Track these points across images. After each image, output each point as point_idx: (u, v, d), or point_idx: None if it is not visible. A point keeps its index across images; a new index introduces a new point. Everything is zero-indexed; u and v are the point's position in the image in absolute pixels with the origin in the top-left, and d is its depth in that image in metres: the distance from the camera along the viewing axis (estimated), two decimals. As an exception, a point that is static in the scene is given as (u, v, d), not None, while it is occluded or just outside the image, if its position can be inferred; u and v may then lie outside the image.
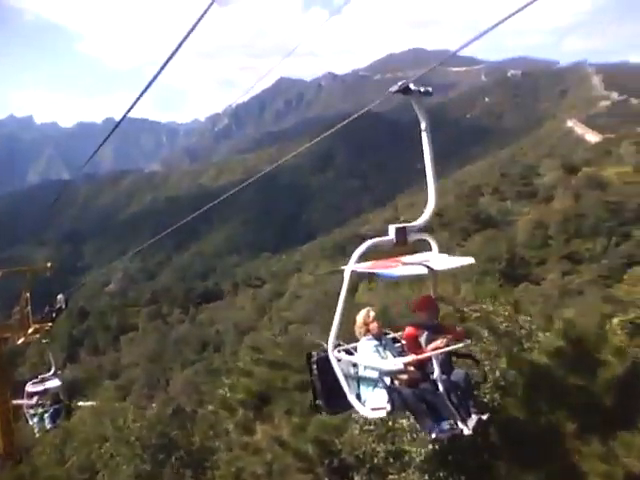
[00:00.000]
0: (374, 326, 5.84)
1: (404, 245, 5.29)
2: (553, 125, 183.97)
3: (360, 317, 5.99)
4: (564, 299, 46.95)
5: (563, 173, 65.22)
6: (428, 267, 5.19)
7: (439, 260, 5.46)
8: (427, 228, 5.67)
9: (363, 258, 5.38)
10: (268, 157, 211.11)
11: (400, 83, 5.25)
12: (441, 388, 5.32)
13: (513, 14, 4.33)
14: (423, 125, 5.45)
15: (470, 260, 5.64)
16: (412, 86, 5.24)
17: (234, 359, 60.54)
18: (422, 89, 5.30)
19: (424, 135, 5.45)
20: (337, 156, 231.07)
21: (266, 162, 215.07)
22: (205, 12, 4.57)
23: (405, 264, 5.31)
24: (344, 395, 5.47)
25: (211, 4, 4.41)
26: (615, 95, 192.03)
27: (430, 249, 5.76)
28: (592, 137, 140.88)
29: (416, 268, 5.21)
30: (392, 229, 5.29)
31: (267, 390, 10.00)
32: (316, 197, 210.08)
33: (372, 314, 5.96)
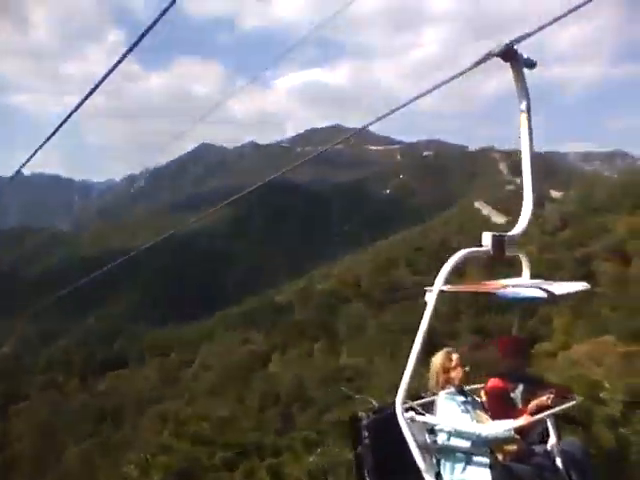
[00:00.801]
0: (458, 374, 4.41)
1: (501, 258, 4.23)
2: (462, 205, 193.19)
3: (438, 361, 4.56)
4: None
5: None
6: (547, 291, 3.90)
7: (552, 285, 4.19)
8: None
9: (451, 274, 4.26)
10: (185, 221, 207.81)
11: (505, 44, 3.98)
12: (559, 463, 4.07)
13: (415, 98, 4.96)
14: (523, 105, 4.30)
15: (585, 285, 4.67)
16: (517, 48, 4.05)
17: (135, 434, 56.55)
18: (527, 56, 4.18)
19: (523, 117, 4.31)
20: (255, 224, 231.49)
21: (183, 226, 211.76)
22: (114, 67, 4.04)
23: (511, 286, 4.19)
24: (409, 473, 3.97)
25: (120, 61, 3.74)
26: (519, 180, 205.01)
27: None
28: (498, 218, 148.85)
29: (532, 291, 4.00)
30: (488, 237, 4.19)
31: (190, 468, 8.69)
32: (231, 263, 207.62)
33: (455, 356, 4.55)
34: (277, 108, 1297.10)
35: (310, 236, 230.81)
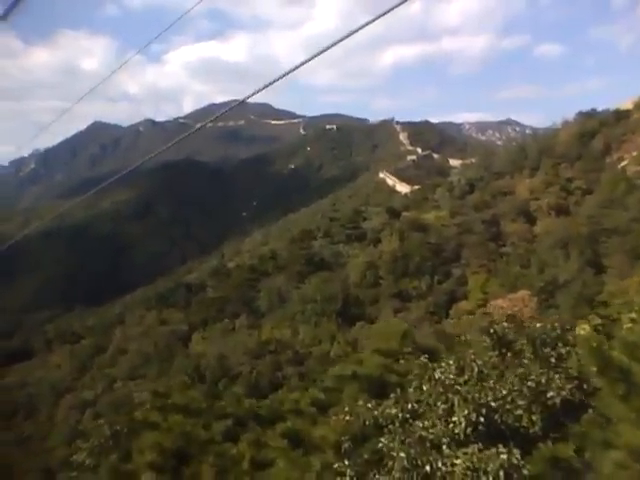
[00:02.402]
0: None
1: None
2: (367, 176, 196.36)
3: None
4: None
5: (388, 217, 69.15)
6: None
7: None
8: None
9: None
10: (82, 204, 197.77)
11: None
12: None
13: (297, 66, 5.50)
14: None
15: None
16: None
17: (50, 425, 53.32)
18: None
19: None
20: (159, 204, 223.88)
21: (80, 209, 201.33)
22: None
23: None
24: None
25: None
26: (420, 150, 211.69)
27: None
28: (402, 188, 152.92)
29: None
30: None
31: (186, 445, 7.85)
32: (136, 246, 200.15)
33: None
34: (173, 84, 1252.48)
35: (217, 214, 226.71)
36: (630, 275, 42.11)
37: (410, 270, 59.04)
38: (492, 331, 7.87)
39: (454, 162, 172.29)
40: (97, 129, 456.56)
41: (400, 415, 6.63)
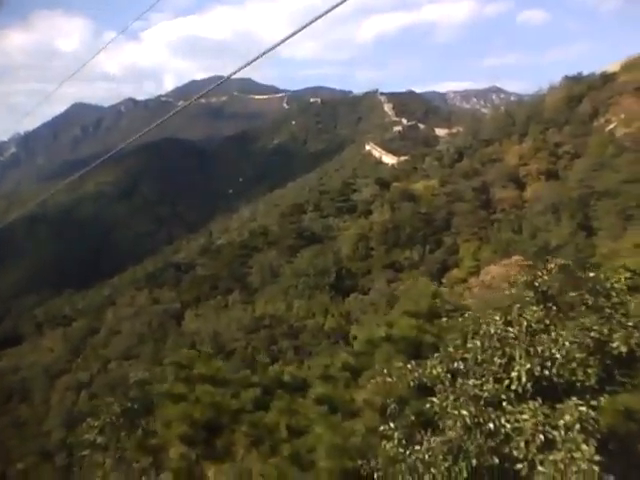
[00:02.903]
0: None
1: None
2: (353, 149, 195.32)
3: None
4: (393, 306, 49.07)
5: (378, 188, 68.75)
6: None
7: None
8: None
9: None
10: (66, 186, 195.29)
11: None
12: None
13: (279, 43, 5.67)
14: None
15: None
16: None
17: (46, 408, 53.04)
18: None
19: None
20: (143, 183, 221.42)
21: (64, 192, 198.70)
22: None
23: None
24: None
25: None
26: (405, 121, 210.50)
27: None
28: (389, 159, 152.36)
29: None
30: None
31: (217, 416, 7.54)
32: (122, 227, 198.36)
33: None
34: (153, 61, 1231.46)
35: (203, 192, 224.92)
36: (622, 237, 42.30)
37: (402, 240, 58.91)
38: (537, 284, 7.37)
39: (440, 132, 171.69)
40: (78, 110, 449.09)
41: (446, 374, 6.34)
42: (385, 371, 6.85)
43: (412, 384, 6.46)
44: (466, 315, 7.36)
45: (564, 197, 51.15)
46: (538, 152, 63.75)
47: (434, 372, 6.41)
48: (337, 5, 5.16)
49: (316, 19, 5.26)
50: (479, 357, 6.30)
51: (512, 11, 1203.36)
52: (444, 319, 8.93)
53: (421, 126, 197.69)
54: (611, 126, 61.44)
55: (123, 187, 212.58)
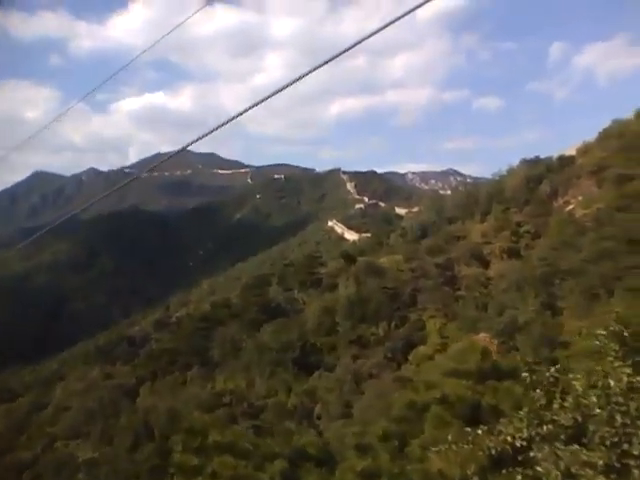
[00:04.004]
0: None
1: None
2: (316, 225, 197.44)
3: None
4: (359, 383, 47.66)
5: (343, 262, 68.53)
6: None
7: None
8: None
9: None
10: (21, 255, 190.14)
11: None
12: None
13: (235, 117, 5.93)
14: None
15: None
16: None
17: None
18: None
19: None
20: (102, 255, 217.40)
21: (18, 260, 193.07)
22: None
23: None
24: None
25: None
26: (366, 199, 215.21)
27: None
28: (350, 235, 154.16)
29: None
30: None
31: None
32: (77, 299, 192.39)
33: None
34: (118, 133, 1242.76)
35: (163, 265, 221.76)
36: (587, 316, 42.41)
37: (367, 315, 58.12)
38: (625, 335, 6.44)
39: (400, 210, 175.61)
40: (38, 178, 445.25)
41: (538, 438, 5.48)
42: (450, 438, 5.95)
43: (492, 452, 5.58)
44: (547, 373, 6.49)
45: (528, 275, 51.56)
46: (500, 231, 64.97)
47: (519, 436, 5.55)
48: (295, 81, 5.64)
49: (276, 92, 5.65)
50: (596, 413, 5.45)
51: (469, 98, 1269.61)
52: (493, 380, 7.97)
53: (382, 204, 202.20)
54: (570, 207, 63.29)
55: (80, 257, 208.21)
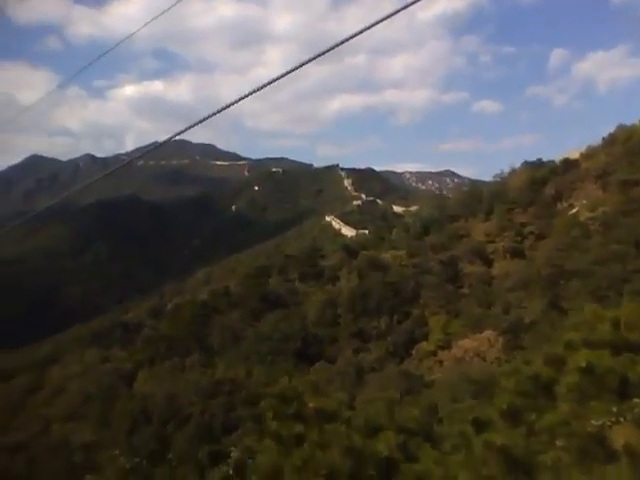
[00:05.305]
0: None
1: None
2: (313, 220, 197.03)
3: None
4: (361, 376, 47.49)
5: (345, 255, 68.37)
6: None
7: None
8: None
9: None
10: (16, 238, 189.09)
11: None
12: None
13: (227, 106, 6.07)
14: None
15: None
16: None
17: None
18: None
19: None
20: (97, 241, 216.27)
21: (14, 243, 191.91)
22: None
23: None
24: None
25: None
26: (364, 196, 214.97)
27: None
28: (347, 231, 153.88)
29: None
30: None
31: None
32: (71, 284, 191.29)
33: None
34: (116, 120, 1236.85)
35: (158, 253, 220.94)
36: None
37: (369, 309, 57.97)
38: None
39: (397, 209, 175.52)
40: (34, 163, 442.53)
41: None
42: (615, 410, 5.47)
43: None
44: None
45: (533, 275, 51.57)
46: (504, 231, 64.93)
47: None
48: (294, 69, 5.68)
49: (270, 83, 5.78)
50: None
51: (468, 100, 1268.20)
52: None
53: (379, 202, 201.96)
54: (574, 210, 63.37)
55: (75, 243, 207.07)
